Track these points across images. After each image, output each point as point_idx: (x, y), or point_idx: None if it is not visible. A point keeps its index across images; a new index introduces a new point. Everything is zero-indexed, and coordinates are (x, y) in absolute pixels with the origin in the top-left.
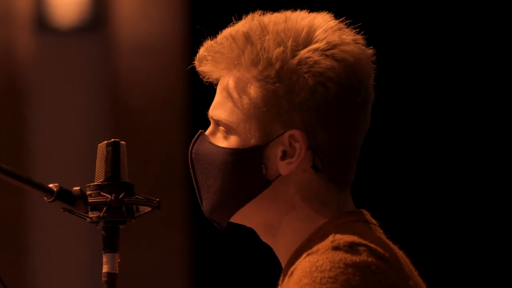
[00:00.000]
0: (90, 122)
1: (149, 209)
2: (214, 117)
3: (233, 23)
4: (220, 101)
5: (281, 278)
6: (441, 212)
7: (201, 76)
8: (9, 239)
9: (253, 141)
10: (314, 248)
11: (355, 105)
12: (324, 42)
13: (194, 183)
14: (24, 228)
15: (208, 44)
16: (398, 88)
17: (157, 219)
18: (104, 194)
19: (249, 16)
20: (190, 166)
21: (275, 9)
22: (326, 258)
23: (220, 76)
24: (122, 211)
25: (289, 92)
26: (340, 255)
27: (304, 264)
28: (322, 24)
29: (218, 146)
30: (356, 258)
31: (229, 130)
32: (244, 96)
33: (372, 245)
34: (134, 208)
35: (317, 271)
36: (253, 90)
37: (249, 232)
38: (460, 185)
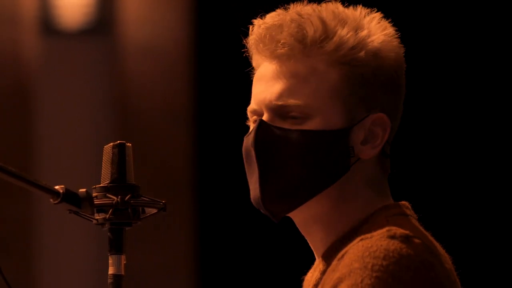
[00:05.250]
0: (96, 124)
1: (155, 210)
2: (289, 104)
3: (267, 14)
4: (290, 88)
5: (317, 264)
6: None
7: (255, 61)
8: (16, 241)
9: (338, 124)
10: (368, 234)
11: (404, 91)
12: (388, 31)
13: (258, 174)
14: (30, 230)
15: (272, 26)
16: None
17: (163, 221)
18: (110, 196)
19: (292, 6)
20: (255, 156)
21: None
22: (381, 245)
23: (268, 62)
24: (128, 212)
25: (374, 75)
26: (396, 245)
27: (357, 248)
28: (369, 14)
29: (298, 130)
30: (411, 251)
31: (308, 115)
32: (325, 80)
33: (425, 240)
34: (140, 210)
35: (370, 257)
36: (337, 73)
37: (256, 233)
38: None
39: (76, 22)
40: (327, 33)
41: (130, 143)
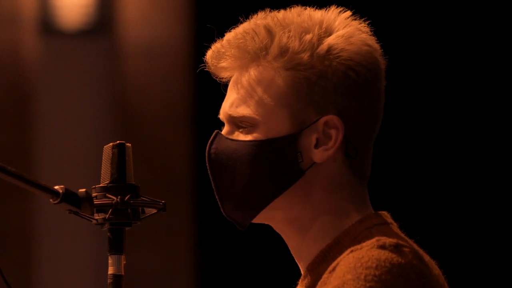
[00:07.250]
0: (95, 124)
1: (154, 211)
2: (236, 114)
3: (238, 26)
4: (239, 98)
5: (303, 278)
6: (446, 213)
7: (214, 75)
8: (16, 242)
9: (285, 130)
10: (358, 246)
11: (379, 91)
12: (346, 30)
13: (213, 184)
14: (30, 230)
15: (223, 41)
16: (405, 88)
17: (162, 221)
18: (110, 196)
19: (257, 15)
20: (209, 167)
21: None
22: (372, 255)
23: (231, 74)
24: (128, 213)
25: (322, 77)
26: (387, 254)
27: (348, 259)
28: (337, 14)
29: (244, 141)
30: (402, 260)
31: (255, 124)
32: (271, 87)
33: (413, 247)
34: (140, 210)
35: (362, 268)
36: (282, 80)
37: (254, 235)
38: (464, 186)
39: (76, 22)
40: (269, 41)
41: (130, 143)
